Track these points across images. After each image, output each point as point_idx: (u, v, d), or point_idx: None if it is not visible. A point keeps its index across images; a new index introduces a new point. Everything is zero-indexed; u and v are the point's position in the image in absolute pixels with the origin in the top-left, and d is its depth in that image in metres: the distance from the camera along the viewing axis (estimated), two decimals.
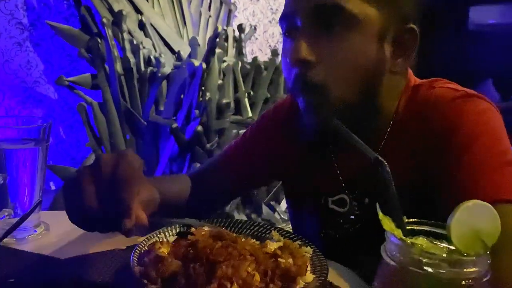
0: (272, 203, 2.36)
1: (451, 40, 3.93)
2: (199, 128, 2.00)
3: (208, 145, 2.04)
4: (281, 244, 0.62)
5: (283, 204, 2.34)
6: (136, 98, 2.28)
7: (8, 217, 0.67)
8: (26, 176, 0.67)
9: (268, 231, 0.73)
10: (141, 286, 0.53)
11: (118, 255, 0.65)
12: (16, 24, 2.38)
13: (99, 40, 2.23)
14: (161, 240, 0.64)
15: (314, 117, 0.66)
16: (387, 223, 0.41)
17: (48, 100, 2.54)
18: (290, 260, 0.57)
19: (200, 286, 0.51)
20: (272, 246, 0.63)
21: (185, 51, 2.35)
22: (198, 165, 2.03)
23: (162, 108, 2.24)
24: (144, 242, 0.63)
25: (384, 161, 0.44)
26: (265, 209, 2.30)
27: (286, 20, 0.67)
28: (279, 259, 0.56)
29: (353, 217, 0.73)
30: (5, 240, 0.63)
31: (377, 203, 0.42)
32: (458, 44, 3.94)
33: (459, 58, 3.75)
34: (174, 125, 2.02)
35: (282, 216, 2.30)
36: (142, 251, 0.60)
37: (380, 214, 0.41)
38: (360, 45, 0.63)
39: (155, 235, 0.66)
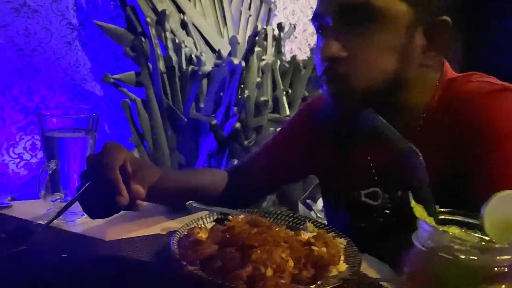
0: (309, 201, 2.36)
1: (502, 38, 3.77)
2: (238, 125, 2.04)
3: (246, 142, 2.08)
4: (315, 234, 0.64)
5: (320, 203, 2.33)
6: (178, 95, 2.35)
7: (59, 200, 0.72)
8: (76, 163, 0.72)
9: (303, 222, 0.74)
10: (180, 267, 0.56)
11: (159, 239, 0.69)
12: (66, 24, 2.51)
13: (143, 39, 2.31)
14: (199, 226, 0.67)
15: (340, 107, 0.68)
16: (419, 211, 0.41)
17: (94, 97, 2.65)
18: (324, 249, 0.58)
19: (235, 269, 0.54)
20: (306, 235, 0.64)
21: (225, 50, 2.39)
22: (236, 161, 2.07)
23: (202, 105, 2.29)
24: (183, 227, 0.66)
25: (418, 151, 0.44)
26: (301, 207, 2.31)
27: (318, 19, 0.69)
28: (312, 247, 0.58)
29: (387, 211, 0.74)
30: (55, 221, 0.67)
31: (409, 192, 0.42)
32: (509, 42, 3.78)
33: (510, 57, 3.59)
34: (214, 122, 2.06)
35: (318, 215, 2.29)
36: (182, 235, 0.63)
37: (412, 202, 0.42)
38: (390, 40, 0.64)
39: (193, 221, 0.70)
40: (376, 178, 0.75)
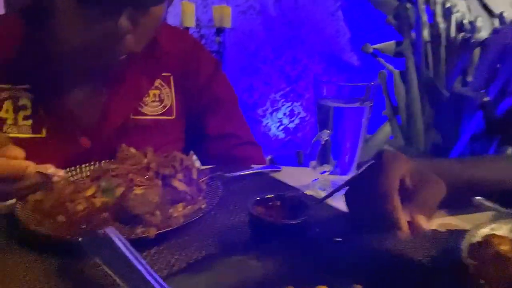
0: None
1: None
2: None
3: None
4: None
5: None
6: (441, 67, 2.12)
7: (327, 173, 0.68)
8: (349, 134, 0.67)
9: None
10: (473, 281, 0.44)
11: (437, 236, 0.57)
12: None
13: (408, 5, 2.15)
14: (497, 233, 0.52)
15: None
16: None
17: (350, 67, 2.65)
18: None
19: None
20: None
21: (509, 13, 2.00)
22: (510, 149, 1.73)
23: (470, 79, 2.01)
24: (473, 231, 0.52)
25: None
26: None
27: None
28: None
29: None
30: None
31: None
32: None
33: None
34: (485, 99, 1.77)
35: None
36: (474, 241, 0.50)
37: None
38: None
39: (485, 225, 0.55)
40: None
